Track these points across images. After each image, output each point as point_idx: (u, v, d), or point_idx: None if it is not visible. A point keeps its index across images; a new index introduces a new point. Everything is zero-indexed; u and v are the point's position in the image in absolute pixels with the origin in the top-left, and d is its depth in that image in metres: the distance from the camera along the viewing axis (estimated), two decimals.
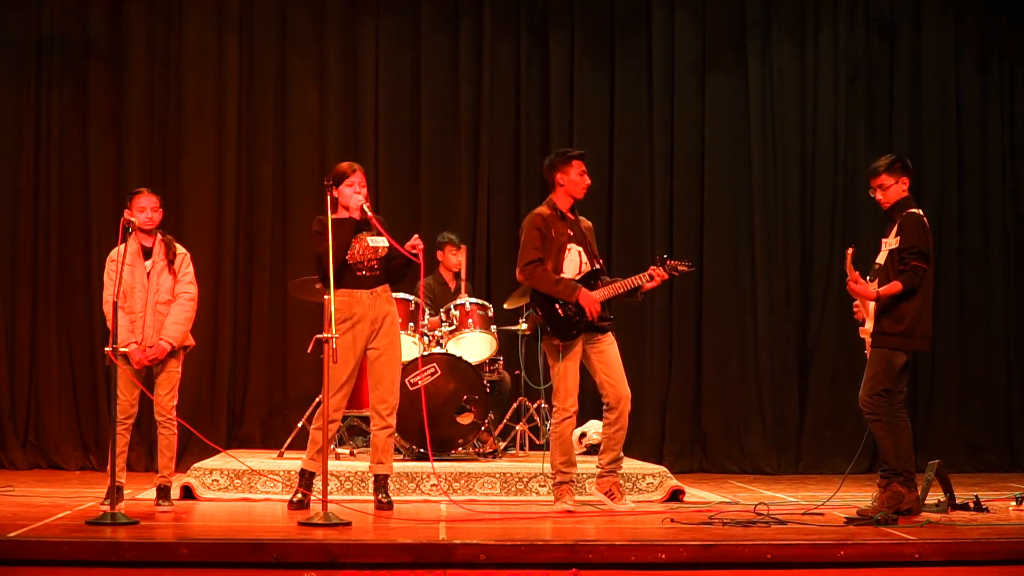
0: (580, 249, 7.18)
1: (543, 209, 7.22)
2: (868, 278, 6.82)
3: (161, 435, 7.00)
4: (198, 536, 6.17)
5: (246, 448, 9.55)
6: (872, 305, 6.82)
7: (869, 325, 6.86)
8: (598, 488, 7.21)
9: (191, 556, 5.51)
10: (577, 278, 7.13)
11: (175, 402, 7.01)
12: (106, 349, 6.70)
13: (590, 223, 7.40)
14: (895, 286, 6.69)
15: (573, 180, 7.17)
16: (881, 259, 6.87)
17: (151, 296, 6.91)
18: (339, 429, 8.78)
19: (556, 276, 7.09)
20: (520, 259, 7.17)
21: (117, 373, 6.66)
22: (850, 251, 6.74)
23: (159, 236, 7.01)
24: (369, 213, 7.00)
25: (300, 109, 10.22)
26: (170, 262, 6.98)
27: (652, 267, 7.18)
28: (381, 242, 7.05)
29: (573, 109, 10.43)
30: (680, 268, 7.24)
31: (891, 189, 6.89)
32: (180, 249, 7.07)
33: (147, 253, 6.97)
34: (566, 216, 7.21)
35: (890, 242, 6.83)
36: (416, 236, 7.01)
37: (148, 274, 6.94)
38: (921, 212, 6.85)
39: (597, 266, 7.23)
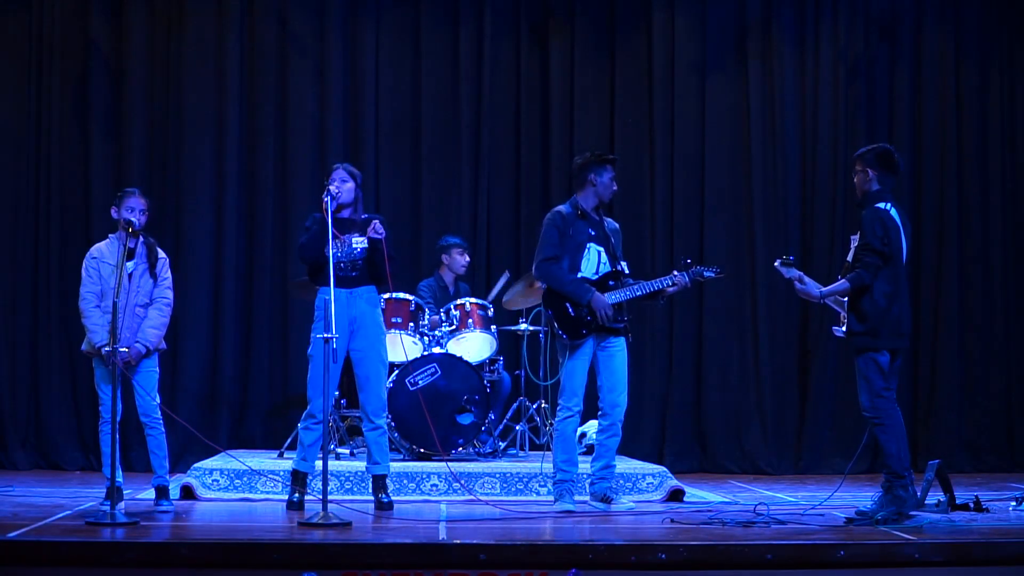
0: (601, 249, 7.22)
1: (564, 207, 7.28)
2: (840, 276, 6.82)
3: (150, 436, 6.98)
4: (198, 536, 6.18)
5: (246, 448, 9.55)
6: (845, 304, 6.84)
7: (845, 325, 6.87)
8: (592, 497, 7.25)
9: (191, 556, 5.51)
10: (594, 279, 7.16)
11: (157, 401, 6.99)
12: (105, 349, 6.69)
13: (617, 225, 7.44)
14: (840, 285, 6.70)
15: (605, 183, 7.24)
16: (851, 256, 6.85)
17: (131, 298, 6.91)
18: (339, 429, 8.79)
19: (570, 276, 7.12)
20: (536, 256, 7.24)
21: (108, 373, 6.63)
22: (778, 262, 6.75)
23: (141, 238, 7.00)
24: (330, 209, 6.98)
25: (300, 109, 10.22)
26: (151, 265, 6.98)
27: (676, 271, 7.20)
28: (361, 242, 7.05)
29: (573, 109, 10.42)
30: (706, 274, 7.23)
31: (859, 176, 6.84)
32: (161, 254, 7.07)
33: (129, 254, 6.94)
34: (589, 216, 7.24)
35: (857, 239, 6.82)
36: (374, 221, 7.06)
37: (130, 275, 6.92)
38: (886, 207, 6.73)
39: (618, 268, 7.24)
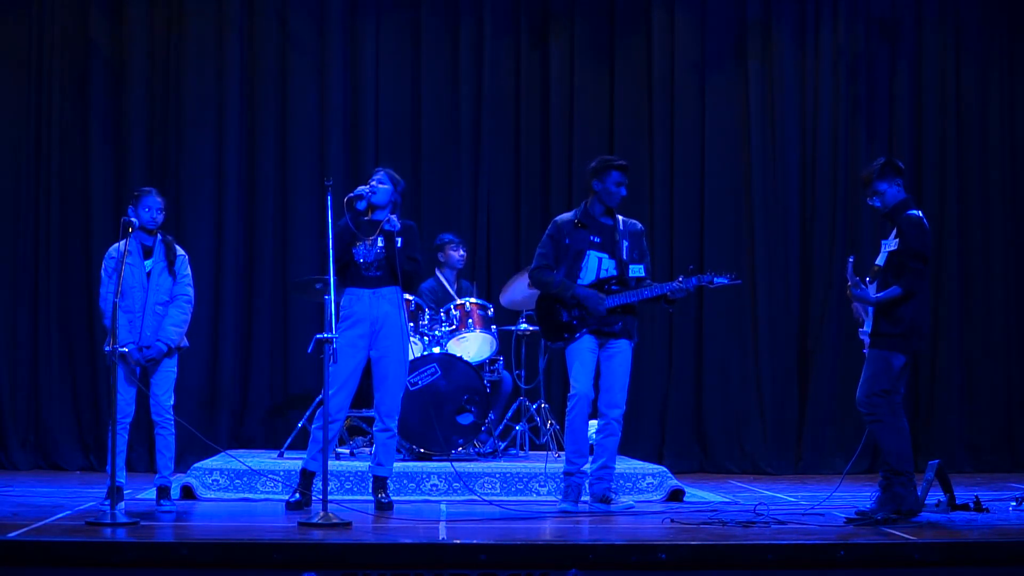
0: (603, 256, 7.20)
1: (565, 215, 7.33)
2: (868, 280, 6.82)
3: (159, 435, 7.01)
4: (198, 536, 6.18)
5: (246, 448, 9.55)
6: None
7: (869, 326, 6.86)
8: (592, 497, 7.26)
9: (191, 556, 5.51)
10: (592, 284, 7.16)
11: (172, 402, 7.02)
12: (105, 348, 6.70)
13: (640, 226, 7.38)
14: (894, 291, 6.69)
15: (608, 190, 7.20)
16: (880, 261, 6.86)
17: (150, 296, 6.92)
18: (340, 429, 8.78)
19: (558, 278, 7.13)
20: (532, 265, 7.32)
21: (116, 372, 6.65)
22: (851, 259, 6.75)
23: (159, 236, 7.02)
24: (359, 207, 7.04)
25: (300, 109, 10.22)
26: (170, 263, 6.99)
27: (682, 277, 7.19)
28: (380, 240, 7.08)
29: (573, 109, 10.42)
30: (716, 281, 7.19)
31: (887, 194, 6.89)
32: (180, 251, 7.08)
33: (147, 253, 6.97)
34: (594, 222, 7.23)
35: (890, 244, 6.83)
36: (390, 216, 7.09)
37: (148, 274, 6.94)
38: (920, 213, 6.85)
39: (628, 272, 7.20)
